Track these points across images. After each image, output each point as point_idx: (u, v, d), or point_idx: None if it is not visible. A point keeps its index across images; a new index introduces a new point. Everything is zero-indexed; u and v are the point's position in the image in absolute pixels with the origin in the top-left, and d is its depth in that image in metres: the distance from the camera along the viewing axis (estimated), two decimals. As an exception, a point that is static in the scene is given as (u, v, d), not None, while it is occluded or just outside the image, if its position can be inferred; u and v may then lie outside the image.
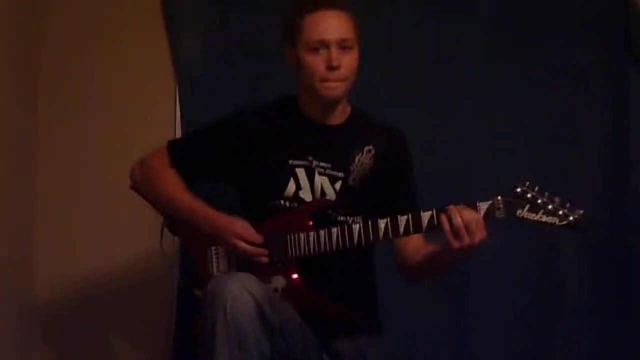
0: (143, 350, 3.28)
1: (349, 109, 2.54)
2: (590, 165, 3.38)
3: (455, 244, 2.23)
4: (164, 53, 3.32)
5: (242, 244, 2.38)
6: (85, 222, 3.28)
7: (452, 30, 3.39)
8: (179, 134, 3.24)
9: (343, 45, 2.38)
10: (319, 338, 2.37)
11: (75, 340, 3.27)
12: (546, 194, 2.22)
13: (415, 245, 2.47)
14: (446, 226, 2.23)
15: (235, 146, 2.51)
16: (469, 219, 2.21)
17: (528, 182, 2.23)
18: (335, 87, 2.41)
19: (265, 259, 2.39)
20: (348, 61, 2.40)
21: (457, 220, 2.21)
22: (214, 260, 2.49)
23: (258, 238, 2.39)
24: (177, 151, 2.59)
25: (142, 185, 2.60)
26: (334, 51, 2.37)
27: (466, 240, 2.22)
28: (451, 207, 2.24)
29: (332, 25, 2.38)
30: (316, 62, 2.38)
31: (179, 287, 3.07)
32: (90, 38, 3.33)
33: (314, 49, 2.38)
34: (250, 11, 3.32)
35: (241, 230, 2.39)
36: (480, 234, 2.23)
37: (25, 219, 3.20)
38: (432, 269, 2.46)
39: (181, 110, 3.30)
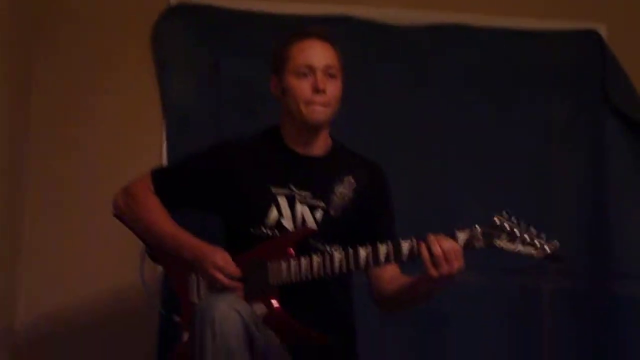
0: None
1: (330, 141, 2.59)
2: (569, 212, 3.46)
3: (434, 273, 2.26)
4: (153, 93, 3.38)
5: (220, 276, 2.41)
6: (68, 250, 3.30)
7: (434, 78, 3.50)
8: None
9: (329, 73, 2.47)
10: (299, 364, 2.40)
11: None
12: (524, 224, 2.26)
13: (392, 275, 2.51)
14: (426, 255, 2.27)
15: (217, 175, 2.55)
16: (447, 248, 2.26)
17: (505, 212, 2.27)
18: (320, 111, 2.47)
19: (240, 293, 2.40)
20: (333, 88, 2.47)
21: (437, 249, 2.26)
22: (194, 287, 2.51)
23: (236, 271, 2.42)
24: (160, 179, 2.62)
25: (126, 211, 2.62)
26: (320, 75, 2.45)
27: (444, 269, 2.26)
28: (430, 236, 2.29)
29: (319, 53, 2.47)
30: (302, 86, 2.45)
31: (161, 316, 3.05)
32: (81, 77, 3.38)
33: (301, 74, 2.46)
34: (239, 54, 3.39)
35: (221, 262, 2.42)
36: (458, 263, 2.27)
37: (9, 247, 3.21)
38: (408, 298, 2.48)
39: (168, 151, 3.34)
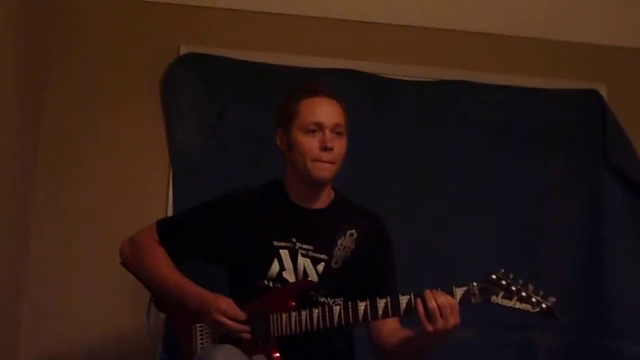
0: None
1: (332, 193, 2.63)
2: (565, 267, 3.51)
3: (429, 327, 2.30)
4: (161, 137, 3.43)
5: (226, 320, 2.45)
6: (70, 292, 3.33)
7: (437, 131, 3.58)
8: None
9: (336, 131, 2.50)
10: (299, 413, 2.43)
11: None
12: (520, 281, 2.30)
13: (392, 329, 2.54)
14: (421, 310, 2.31)
15: (220, 228, 2.60)
16: (443, 304, 2.29)
17: (503, 270, 2.31)
18: (326, 168, 2.51)
19: (247, 336, 2.45)
20: (339, 146, 2.51)
21: (432, 304, 2.29)
22: (198, 337, 2.56)
23: (241, 315, 2.46)
24: (165, 230, 2.67)
25: (131, 260, 2.68)
26: (329, 133, 2.49)
27: (440, 324, 2.29)
28: (427, 291, 2.32)
29: (328, 111, 2.51)
30: (311, 143, 2.49)
31: (163, 362, 3.13)
32: (91, 116, 3.43)
33: (310, 131, 2.49)
34: (245, 103, 3.45)
35: (225, 307, 2.46)
36: (453, 319, 2.30)
37: (12, 285, 3.21)
38: (406, 353, 2.51)
39: (174, 195, 3.38)
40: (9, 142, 3.02)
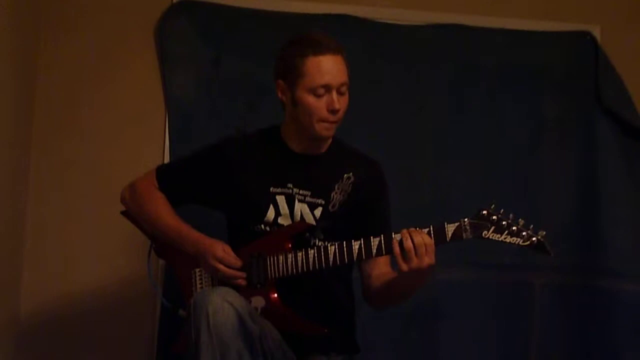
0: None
1: (329, 139, 2.67)
2: (560, 209, 3.55)
3: (404, 266, 2.36)
4: (157, 86, 3.45)
5: (222, 267, 2.52)
6: (71, 240, 3.36)
7: (430, 76, 3.59)
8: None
9: (341, 91, 2.53)
10: (297, 355, 2.50)
11: None
12: (511, 216, 2.35)
13: (381, 272, 2.61)
14: (396, 248, 2.37)
15: (218, 173, 2.65)
16: (419, 243, 2.35)
17: (493, 205, 2.36)
18: (331, 128, 2.56)
19: (243, 282, 2.52)
20: (343, 104, 2.54)
21: (407, 244, 2.35)
22: (197, 281, 2.63)
23: (237, 262, 2.53)
24: (164, 176, 2.73)
25: (131, 206, 2.74)
26: (335, 95, 2.50)
27: (414, 263, 2.34)
28: (404, 230, 2.38)
29: (334, 70, 2.50)
30: (318, 105, 2.50)
31: (162, 307, 3.17)
32: (85, 69, 3.43)
33: (317, 92, 2.50)
34: (241, 50, 3.47)
35: (222, 254, 2.53)
36: (428, 259, 2.35)
37: (12, 236, 3.25)
38: (390, 294, 2.58)
39: (170, 143, 3.42)
40: (4, 94, 3.03)
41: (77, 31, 3.45)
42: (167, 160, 3.38)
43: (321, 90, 2.50)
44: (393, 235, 2.41)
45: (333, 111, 2.51)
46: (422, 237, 2.35)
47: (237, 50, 3.47)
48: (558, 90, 3.63)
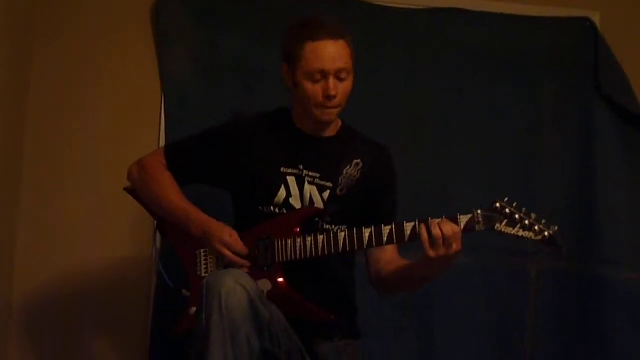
0: (120, 351, 3.39)
1: (340, 123, 2.72)
2: (556, 195, 3.61)
3: (432, 254, 2.40)
4: (153, 68, 3.46)
5: (228, 252, 2.56)
6: (66, 224, 3.38)
7: (429, 60, 3.63)
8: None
9: (340, 76, 2.55)
10: (301, 340, 2.53)
11: (52, 342, 3.35)
12: (523, 209, 2.39)
13: (390, 258, 2.66)
14: (425, 236, 2.41)
15: (228, 153, 2.69)
16: (447, 231, 2.39)
17: (507, 198, 2.40)
18: (330, 113, 2.60)
19: (246, 270, 2.54)
20: (343, 89, 2.57)
21: (437, 231, 2.39)
22: (202, 262, 2.66)
23: (243, 249, 2.57)
24: (173, 155, 2.76)
25: (139, 183, 2.77)
26: (332, 81, 2.54)
27: (442, 250, 2.40)
28: (431, 219, 2.43)
29: (331, 56, 2.53)
30: (314, 90, 2.55)
31: (157, 288, 3.23)
32: (79, 50, 3.45)
33: (313, 77, 2.54)
34: (237, 32, 3.49)
35: (228, 239, 2.57)
36: (456, 246, 2.40)
37: (7, 218, 3.26)
38: (404, 281, 2.64)
39: (166, 125, 3.43)
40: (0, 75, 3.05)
41: (72, 12, 3.46)
42: (162, 142, 3.40)
43: (318, 76, 2.54)
44: (404, 223, 2.46)
45: (329, 97, 2.54)
46: (451, 226, 2.40)
47: (233, 33, 3.50)
48: (557, 76, 3.69)
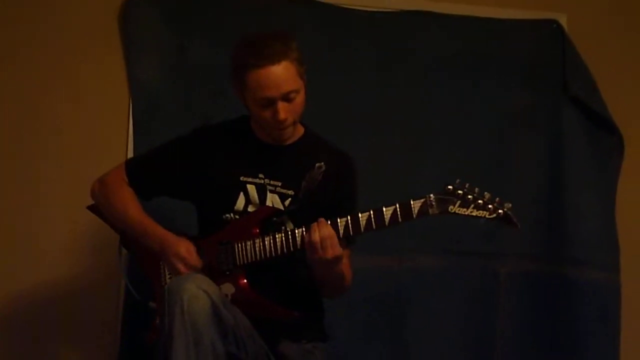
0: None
1: (302, 129, 2.73)
2: (527, 197, 3.62)
3: (309, 257, 2.50)
4: (121, 74, 3.47)
5: (181, 266, 2.60)
6: (33, 236, 3.39)
7: (398, 63, 3.66)
8: (130, 155, 3.38)
9: (288, 97, 2.54)
10: (267, 343, 2.56)
11: (19, 354, 3.35)
12: (476, 189, 2.41)
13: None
14: (305, 240, 2.50)
15: (188, 164, 2.71)
16: (323, 236, 2.46)
17: (459, 180, 2.42)
18: (284, 133, 2.63)
19: None
20: (293, 109, 2.57)
21: (314, 237, 2.47)
22: (166, 273, 2.71)
23: (198, 263, 2.61)
24: (133, 169, 2.79)
25: (100, 199, 2.81)
26: (280, 105, 2.53)
27: (318, 254, 2.47)
28: (313, 224, 2.49)
29: (275, 83, 2.50)
30: (264, 114, 2.56)
31: (126, 300, 3.25)
32: (47, 56, 3.45)
33: (261, 104, 2.54)
34: (206, 37, 3.51)
35: (185, 254, 2.61)
36: (332, 251, 2.47)
37: None
38: (317, 282, 2.69)
39: (134, 132, 3.44)
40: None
41: (40, 17, 3.46)
42: (131, 150, 3.42)
43: (264, 102, 2.54)
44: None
45: (278, 121, 2.56)
46: (327, 231, 2.46)
47: (202, 37, 3.52)
48: (525, 78, 3.71)
